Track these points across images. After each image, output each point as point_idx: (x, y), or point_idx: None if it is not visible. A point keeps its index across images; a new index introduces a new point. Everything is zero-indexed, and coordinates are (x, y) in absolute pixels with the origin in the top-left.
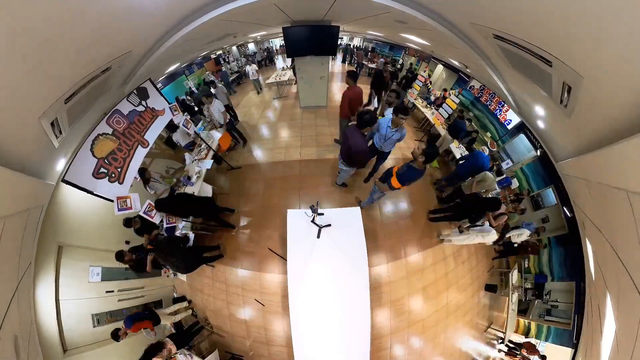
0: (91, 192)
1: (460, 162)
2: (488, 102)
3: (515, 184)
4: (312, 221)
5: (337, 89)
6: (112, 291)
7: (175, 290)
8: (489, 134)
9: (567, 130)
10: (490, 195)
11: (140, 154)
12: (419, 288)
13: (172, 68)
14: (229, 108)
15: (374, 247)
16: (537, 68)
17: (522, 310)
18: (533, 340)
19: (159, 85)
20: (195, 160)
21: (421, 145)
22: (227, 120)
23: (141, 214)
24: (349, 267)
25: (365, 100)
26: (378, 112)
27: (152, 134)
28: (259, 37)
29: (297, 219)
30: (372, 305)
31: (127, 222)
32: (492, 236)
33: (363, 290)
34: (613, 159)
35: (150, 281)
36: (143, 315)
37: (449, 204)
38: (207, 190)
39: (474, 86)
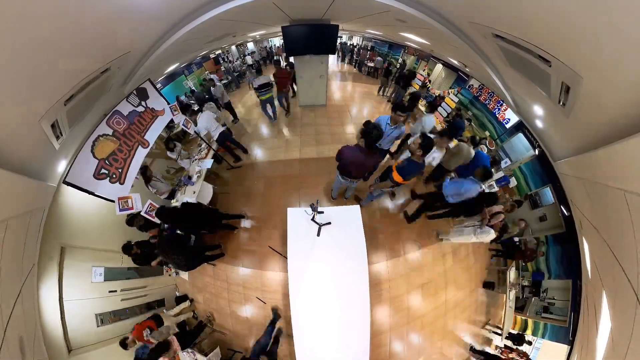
0: (92, 193)
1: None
2: (487, 101)
3: (513, 182)
4: (312, 219)
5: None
6: (115, 291)
7: (178, 289)
8: (487, 133)
9: (565, 130)
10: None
11: (140, 155)
12: (418, 285)
13: (171, 68)
14: (228, 106)
15: (373, 244)
16: (536, 67)
17: (520, 308)
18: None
19: (158, 86)
20: (196, 159)
21: (417, 140)
22: (219, 135)
23: (142, 214)
24: (349, 264)
25: None
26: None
27: (152, 134)
28: (258, 37)
29: (297, 217)
30: (372, 302)
31: (130, 221)
32: (491, 235)
33: (363, 288)
34: (610, 158)
35: (152, 280)
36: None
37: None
38: (208, 191)
39: (473, 85)
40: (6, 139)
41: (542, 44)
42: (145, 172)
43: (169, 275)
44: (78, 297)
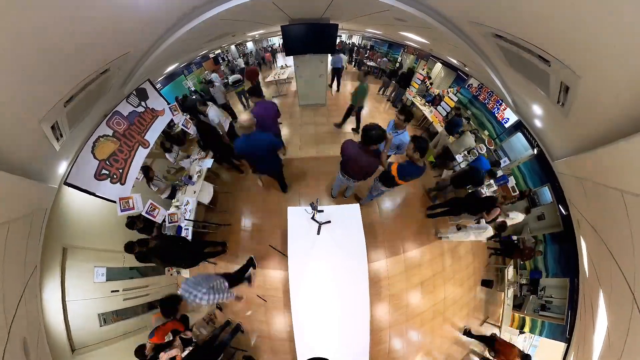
0: (93, 194)
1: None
2: (486, 101)
3: (512, 181)
4: (312, 218)
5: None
6: (117, 290)
7: (179, 288)
8: (486, 132)
9: (564, 130)
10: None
11: (141, 155)
12: (416, 283)
13: (170, 68)
14: (226, 107)
15: (373, 243)
16: (535, 67)
17: (517, 305)
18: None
19: (158, 86)
20: (196, 159)
21: (410, 145)
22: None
23: (143, 214)
24: (349, 262)
25: None
26: None
27: (153, 134)
28: (257, 36)
29: (298, 216)
30: (372, 299)
31: (130, 224)
32: (488, 232)
33: (362, 285)
34: (608, 159)
35: (154, 280)
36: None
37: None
38: (209, 190)
39: (472, 84)
40: (7, 140)
41: (541, 44)
42: (147, 172)
43: (171, 274)
44: (80, 298)
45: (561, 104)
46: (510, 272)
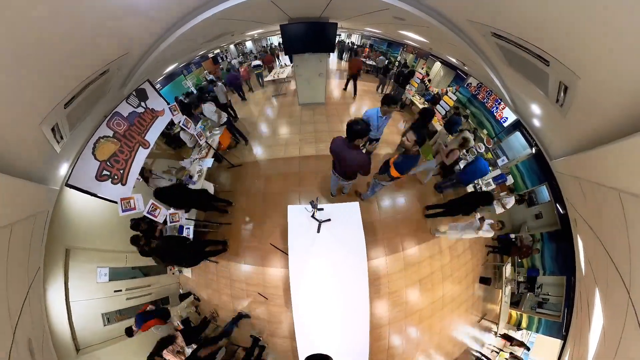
0: (95, 195)
1: (462, 168)
2: (485, 100)
3: (510, 180)
4: (312, 216)
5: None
6: (120, 290)
7: (181, 287)
8: (485, 131)
9: (562, 129)
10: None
11: (141, 155)
12: (415, 280)
13: (170, 68)
14: (227, 106)
15: (372, 241)
16: (534, 67)
17: (515, 303)
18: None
19: (157, 86)
20: (196, 159)
21: (411, 136)
22: (225, 119)
23: (145, 213)
24: (349, 260)
25: None
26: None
27: (153, 134)
28: (256, 35)
29: (298, 214)
30: (371, 297)
31: (135, 226)
32: (488, 234)
33: (362, 283)
34: (606, 159)
35: (156, 279)
36: (151, 315)
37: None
38: (209, 189)
39: (471, 83)
40: (8, 144)
41: (541, 44)
42: (142, 173)
43: (173, 273)
44: (84, 298)
45: (560, 103)
46: (508, 269)
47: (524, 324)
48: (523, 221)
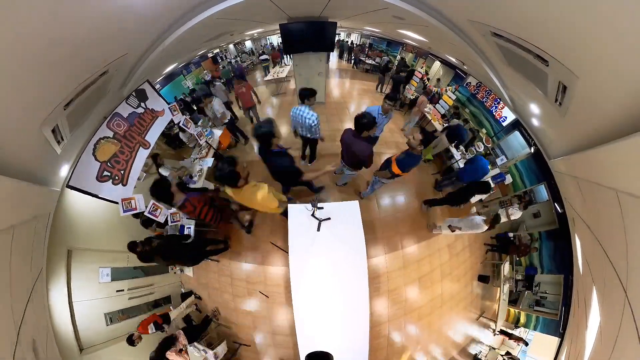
0: (96, 196)
1: (462, 167)
2: (484, 99)
3: (509, 179)
4: (312, 215)
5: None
6: (122, 290)
7: (183, 286)
8: (484, 130)
9: (561, 129)
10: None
11: (142, 156)
12: (415, 278)
13: (169, 68)
14: (228, 106)
15: (372, 239)
16: (533, 67)
17: (513, 301)
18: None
19: (157, 87)
20: (197, 158)
21: (417, 135)
22: (228, 119)
23: (146, 214)
24: (348, 258)
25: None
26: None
27: (153, 135)
28: (255, 35)
29: (298, 213)
30: (371, 294)
31: (146, 223)
32: (482, 228)
33: (362, 281)
34: (604, 158)
35: (158, 278)
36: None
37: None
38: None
39: (470, 83)
40: (8, 146)
41: (540, 44)
42: (156, 159)
43: (174, 273)
44: (87, 298)
45: (559, 103)
46: (506, 268)
47: (522, 321)
48: (521, 220)
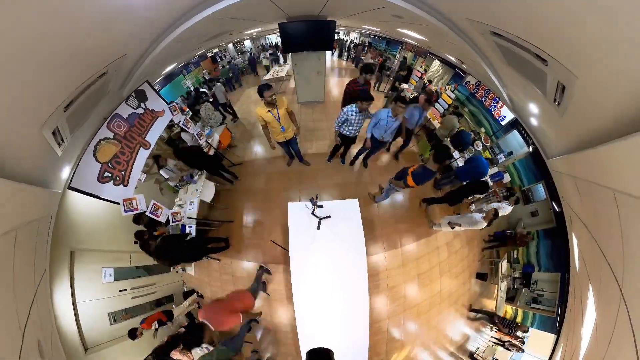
0: (97, 197)
1: (460, 166)
2: (483, 98)
3: (507, 178)
4: (312, 213)
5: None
6: (125, 290)
7: (185, 285)
8: (483, 129)
9: (559, 129)
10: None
11: (142, 156)
12: (414, 275)
13: (169, 69)
14: (227, 106)
15: (371, 237)
16: (532, 66)
17: (510, 298)
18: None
19: (157, 87)
20: None
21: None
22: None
23: (147, 214)
24: (348, 256)
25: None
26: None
27: (153, 135)
28: (254, 34)
29: (298, 211)
30: (370, 291)
31: (136, 220)
32: (481, 225)
33: (361, 278)
34: (602, 158)
35: (160, 277)
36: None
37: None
38: (210, 189)
39: (469, 82)
40: (9, 148)
41: (539, 43)
42: (158, 160)
43: (176, 272)
44: (90, 298)
45: (557, 103)
46: (504, 265)
47: (519, 318)
48: (519, 218)
